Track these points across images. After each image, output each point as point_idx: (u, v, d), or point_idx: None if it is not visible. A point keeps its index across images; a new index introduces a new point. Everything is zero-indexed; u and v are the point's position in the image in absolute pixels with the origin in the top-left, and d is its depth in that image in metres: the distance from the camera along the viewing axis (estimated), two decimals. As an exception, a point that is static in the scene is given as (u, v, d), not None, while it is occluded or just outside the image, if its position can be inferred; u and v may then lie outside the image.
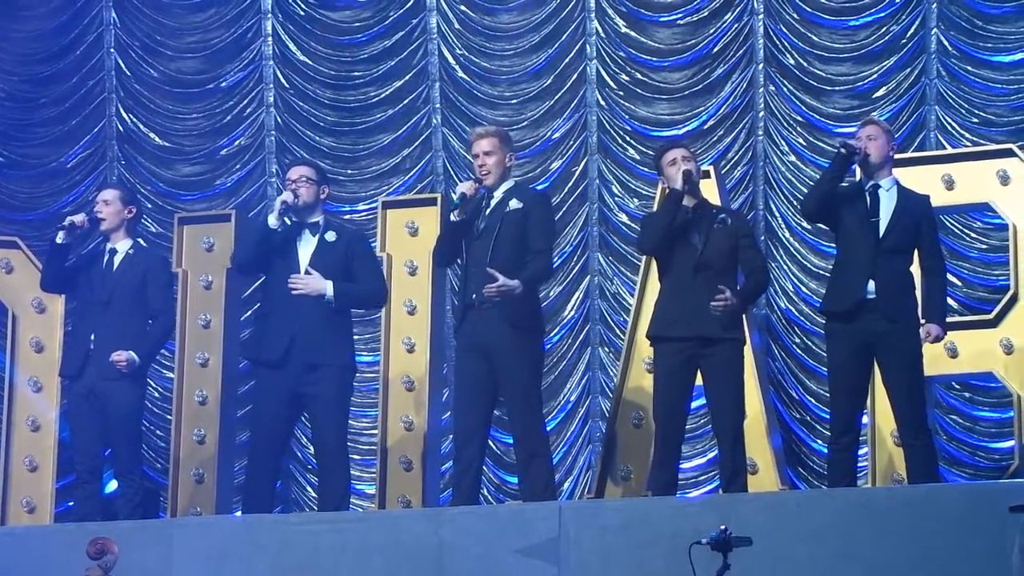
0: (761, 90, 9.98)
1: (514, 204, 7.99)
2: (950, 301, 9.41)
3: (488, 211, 7.99)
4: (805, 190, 9.68)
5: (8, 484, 9.26)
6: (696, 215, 7.85)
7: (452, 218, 7.97)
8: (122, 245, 8.66)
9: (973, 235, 9.57)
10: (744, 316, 8.08)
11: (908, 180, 8.39)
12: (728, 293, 7.67)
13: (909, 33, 9.77)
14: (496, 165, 8.00)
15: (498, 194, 8.04)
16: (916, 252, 7.84)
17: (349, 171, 10.58)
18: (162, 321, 8.63)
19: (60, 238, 8.56)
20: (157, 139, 10.93)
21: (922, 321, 7.78)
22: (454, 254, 8.15)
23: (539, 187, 9.88)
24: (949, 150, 9.32)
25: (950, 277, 9.41)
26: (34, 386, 9.33)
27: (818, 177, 8.30)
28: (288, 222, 8.28)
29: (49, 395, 9.28)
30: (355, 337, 8.73)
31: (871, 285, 7.62)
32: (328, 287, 8.20)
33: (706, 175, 8.58)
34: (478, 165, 8.04)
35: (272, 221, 8.30)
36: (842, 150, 7.77)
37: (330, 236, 8.35)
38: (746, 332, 7.98)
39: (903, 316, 7.71)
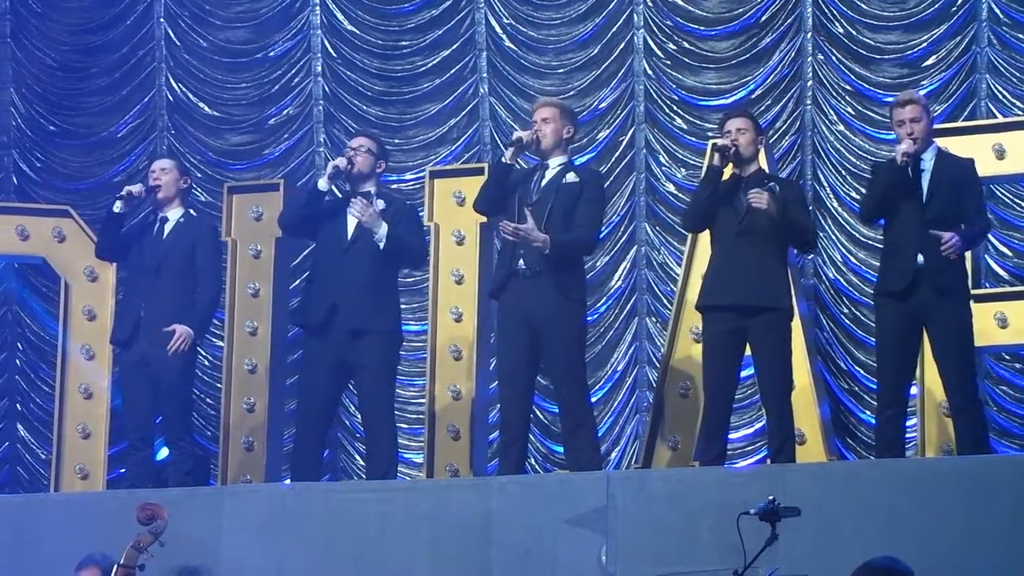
0: (809, 59, 9.92)
1: (571, 178, 8.10)
2: (999, 271, 9.37)
3: (544, 182, 8.05)
4: (854, 159, 9.67)
5: (62, 451, 9.35)
6: (742, 182, 7.84)
7: (503, 160, 8.10)
8: (173, 214, 8.72)
9: (1024, 205, 9.52)
10: (792, 286, 8.07)
11: (958, 150, 8.34)
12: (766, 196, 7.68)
13: (959, 1, 9.68)
14: (552, 133, 8.11)
15: (553, 165, 8.12)
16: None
17: (396, 140, 10.57)
18: (206, 292, 8.64)
19: (118, 207, 8.62)
20: (206, 108, 10.96)
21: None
22: (492, 201, 8.17)
23: (586, 157, 9.88)
24: (1000, 119, 9.24)
25: (1000, 247, 9.38)
26: (86, 354, 9.40)
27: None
28: (338, 193, 8.31)
29: (101, 363, 9.34)
30: (402, 306, 8.79)
31: (920, 259, 7.59)
32: (383, 228, 8.25)
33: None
34: (535, 129, 8.15)
35: (322, 184, 8.37)
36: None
37: (380, 204, 8.40)
38: (793, 302, 7.95)
39: (953, 288, 7.68)
